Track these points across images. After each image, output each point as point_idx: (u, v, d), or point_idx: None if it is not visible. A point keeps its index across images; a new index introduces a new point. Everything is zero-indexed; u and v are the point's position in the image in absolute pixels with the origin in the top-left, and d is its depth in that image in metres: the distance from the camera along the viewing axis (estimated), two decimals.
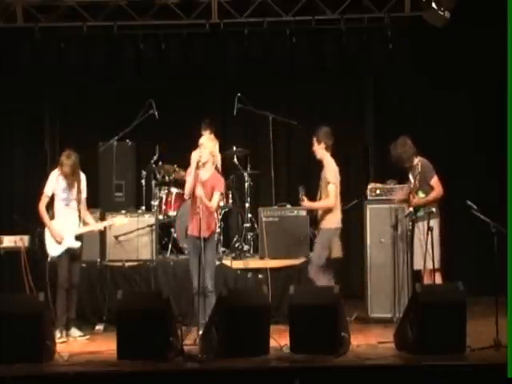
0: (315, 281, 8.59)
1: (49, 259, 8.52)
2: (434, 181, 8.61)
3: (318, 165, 8.92)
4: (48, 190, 8.46)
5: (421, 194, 8.57)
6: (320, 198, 8.78)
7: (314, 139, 8.79)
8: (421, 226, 8.46)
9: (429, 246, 8.01)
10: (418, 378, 6.62)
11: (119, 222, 8.85)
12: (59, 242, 8.40)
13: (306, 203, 8.71)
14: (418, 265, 8.47)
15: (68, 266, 8.42)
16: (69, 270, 8.43)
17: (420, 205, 8.52)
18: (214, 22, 10.64)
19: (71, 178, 8.42)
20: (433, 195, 8.57)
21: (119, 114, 10.56)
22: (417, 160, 8.63)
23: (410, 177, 8.71)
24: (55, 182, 8.46)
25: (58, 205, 8.48)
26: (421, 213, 8.49)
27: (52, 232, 8.41)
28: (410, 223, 8.54)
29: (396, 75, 10.78)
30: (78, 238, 8.52)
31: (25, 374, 6.78)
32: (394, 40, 10.56)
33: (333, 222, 8.71)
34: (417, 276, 8.63)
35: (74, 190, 8.47)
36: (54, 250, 8.44)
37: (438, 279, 8.43)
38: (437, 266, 8.36)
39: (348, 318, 8.07)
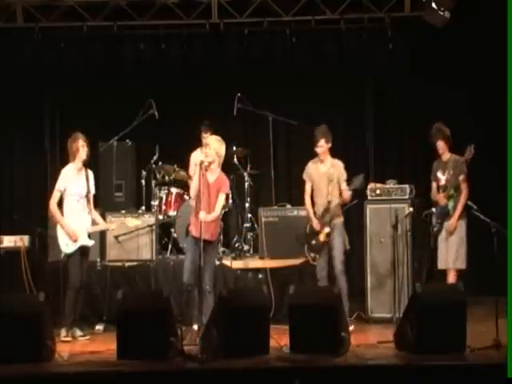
0: (340, 278, 8.35)
1: (49, 259, 8.50)
2: (464, 179, 8.57)
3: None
4: (60, 185, 8.27)
5: (451, 191, 8.57)
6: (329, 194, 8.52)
7: (323, 141, 8.51)
8: (463, 224, 8.55)
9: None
10: (418, 378, 6.62)
11: (132, 222, 8.80)
12: (74, 241, 8.25)
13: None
14: (450, 263, 8.53)
15: (80, 265, 8.30)
16: (81, 270, 8.32)
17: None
18: (214, 22, 10.66)
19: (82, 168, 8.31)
20: (464, 198, 8.51)
21: (119, 113, 10.53)
22: (449, 156, 8.65)
23: (439, 174, 8.68)
24: (67, 178, 8.29)
25: (69, 201, 8.30)
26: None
27: (67, 231, 8.22)
28: (442, 217, 8.54)
29: (396, 75, 10.78)
30: (89, 236, 8.41)
31: (25, 373, 6.78)
32: (394, 40, 10.56)
33: (341, 215, 8.65)
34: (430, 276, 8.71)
35: (85, 186, 8.31)
36: (66, 247, 8.25)
37: (453, 279, 8.49)
38: (463, 266, 8.54)
39: (348, 318, 8.07)
